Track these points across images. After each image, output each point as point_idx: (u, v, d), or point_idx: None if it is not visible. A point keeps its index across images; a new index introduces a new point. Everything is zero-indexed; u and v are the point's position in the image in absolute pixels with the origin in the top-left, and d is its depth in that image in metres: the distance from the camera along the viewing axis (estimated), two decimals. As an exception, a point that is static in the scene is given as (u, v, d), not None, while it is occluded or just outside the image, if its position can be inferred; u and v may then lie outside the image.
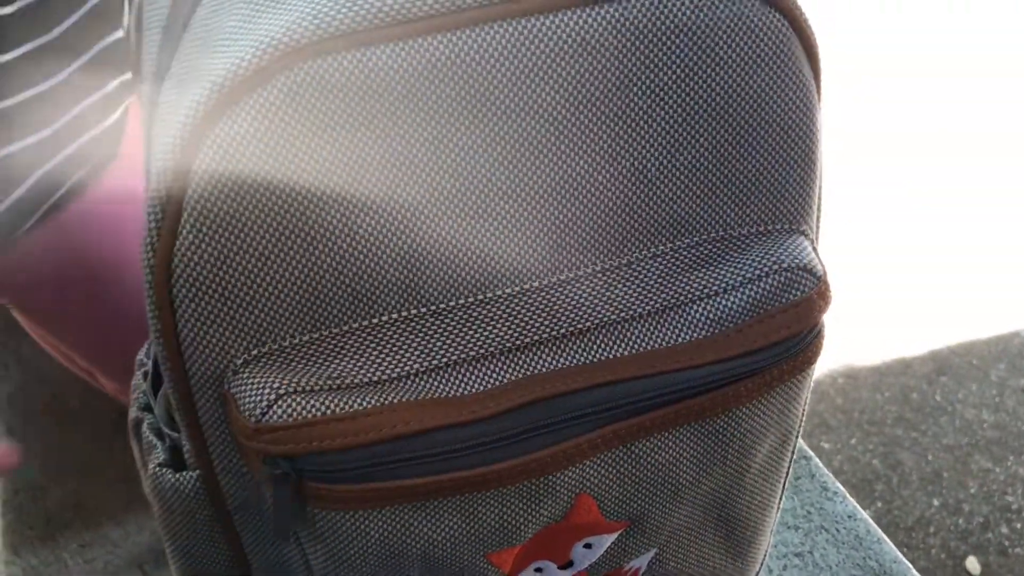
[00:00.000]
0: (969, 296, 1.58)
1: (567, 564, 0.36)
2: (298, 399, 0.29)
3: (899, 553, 0.58)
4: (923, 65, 2.20)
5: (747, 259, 0.33)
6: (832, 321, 1.55)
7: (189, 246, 0.27)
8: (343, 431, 0.29)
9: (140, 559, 0.61)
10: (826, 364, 1.47)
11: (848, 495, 0.61)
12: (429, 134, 0.28)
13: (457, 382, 0.30)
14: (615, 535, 0.36)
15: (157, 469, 0.34)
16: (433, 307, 0.30)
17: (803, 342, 0.34)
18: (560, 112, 0.29)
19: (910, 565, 0.57)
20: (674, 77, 0.30)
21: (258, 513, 0.34)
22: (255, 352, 0.29)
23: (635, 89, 0.29)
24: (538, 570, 0.36)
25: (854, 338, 1.48)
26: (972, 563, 1.18)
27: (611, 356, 0.32)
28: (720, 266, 0.33)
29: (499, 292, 0.31)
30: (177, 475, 0.34)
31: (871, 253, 1.66)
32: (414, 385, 0.30)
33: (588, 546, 0.36)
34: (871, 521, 0.60)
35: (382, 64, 0.27)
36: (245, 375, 0.29)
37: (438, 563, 0.34)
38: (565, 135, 0.29)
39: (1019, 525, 1.22)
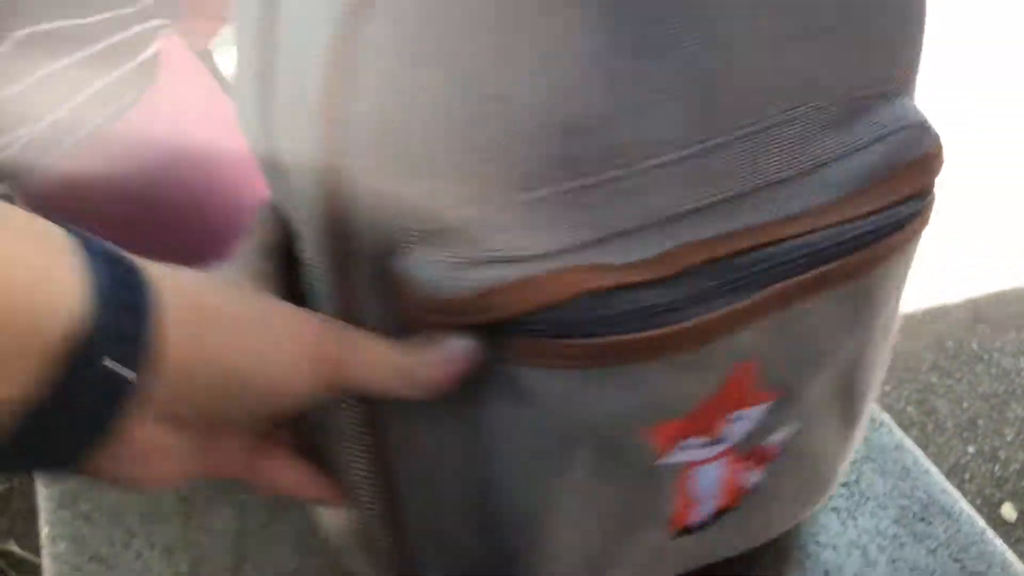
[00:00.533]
0: (1009, 244, 1.55)
1: (716, 440, 0.36)
2: (473, 270, 0.29)
3: (947, 483, 0.57)
4: None
5: (874, 119, 0.35)
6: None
7: (361, 89, 0.27)
8: (526, 296, 0.29)
9: (178, 483, 0.61)
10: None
11: (895, 426, 0.60)
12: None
13: (625, 251, 0.31)
14: (765, 407, 0.36)
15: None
16: (591, 179, 0.30)
17: (924, 201, 0.36)
18: None
19: (959, 495, 0.56)
20: None
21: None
22: (425, 230, 0.29)
23: None
24: (686, 448, 0.36)
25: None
26: (1008, 509, 1.17)
27: (761, 221, 0.33)
28: (850, 127, 0.35)
29: (653, 162, 0.31)
30: None
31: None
32: (585, 255, 0.30)
33: (739, 419, 0.36)
34: (919, 451, 0.59)
35: None
36: (418, 252, 0.29)
37: (603, 443, 0.34)
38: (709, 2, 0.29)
39: (1056, 473, 1.21)
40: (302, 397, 0.30)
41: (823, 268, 0.34)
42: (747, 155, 0.32)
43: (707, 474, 0.38)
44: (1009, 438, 1.27)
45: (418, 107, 0.27)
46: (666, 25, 0.29)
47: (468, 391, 0.31)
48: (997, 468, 1.22)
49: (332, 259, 0.31)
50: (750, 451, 0.38)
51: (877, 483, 0.58)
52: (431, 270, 0.29)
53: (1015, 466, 1.23)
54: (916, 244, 0.37)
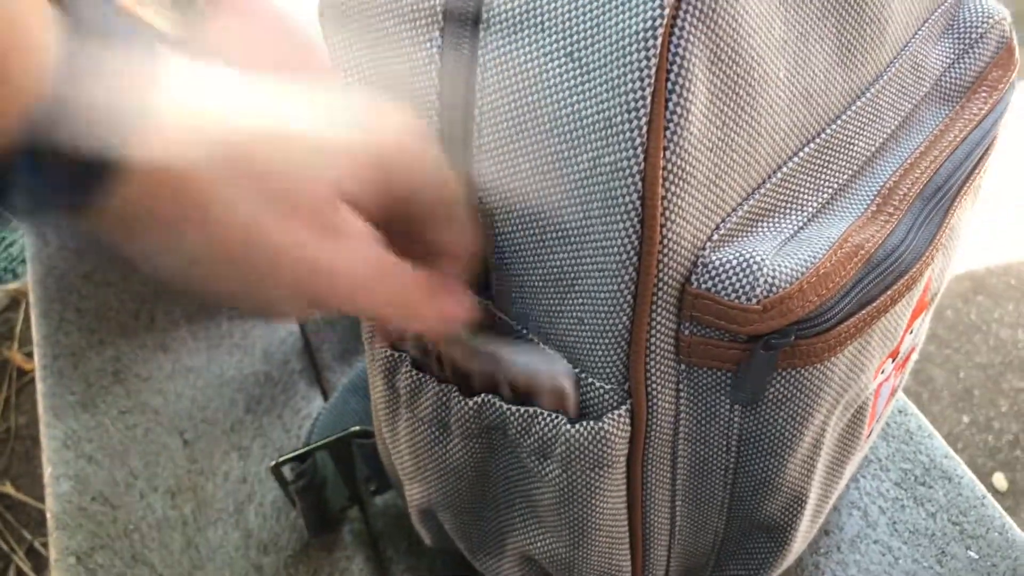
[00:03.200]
0: (1008, 216, 1.55)
1: (896, 356, 0.39)
2: (776, 263, 0.29)
3: (950, 449, 0.57)
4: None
5: (965, 21, 0.38)
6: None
7: (674, 133, 0.26)
8: (826, 283, 0.29)
9: (180, 427, 0.61)
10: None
11: (900, 391, 0.60)
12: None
13: (853, 206, 0.32)
14: (924, 314, 0.39)
15: (566, 426, 0.32)
16: (816, 141, 0.31)
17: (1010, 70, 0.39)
18: None
19: (960, 461, 0.57)
20: None
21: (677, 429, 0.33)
22: (715, 237, 0.29)
23: None
24: (884, 371, 0.38)
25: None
26: (999, 479, 1.18)
27: (920, 143, 0.35)
28: (951, 34, 0.38)
29: (855, 107, 0.33)
30: (585, 424, 0.32)
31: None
32: (826, 218, 0.31)
33: (911, 332, 0.39)
34: (922, 416, 0.59)
35: None
36: (716, 260, 0.28)
37: (850, 400, 0.35)
38: None
39: (1048, 444, 1.22)
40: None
41: (974, 173, 0.36)
42: (900, 85, 0.35)
43: (885, 389, 0.40)
44: (1004, 409, 1.28)
45: (716, 124, 0.28)
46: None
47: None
48: (991, 438, 1.23)
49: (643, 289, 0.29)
50: (905, 358, 0.40)
51: (880, 446, 0.58)
52: (743, 275, 0.28)
53: (1008, 437, 1.23)
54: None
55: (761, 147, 0.29)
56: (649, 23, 0.24)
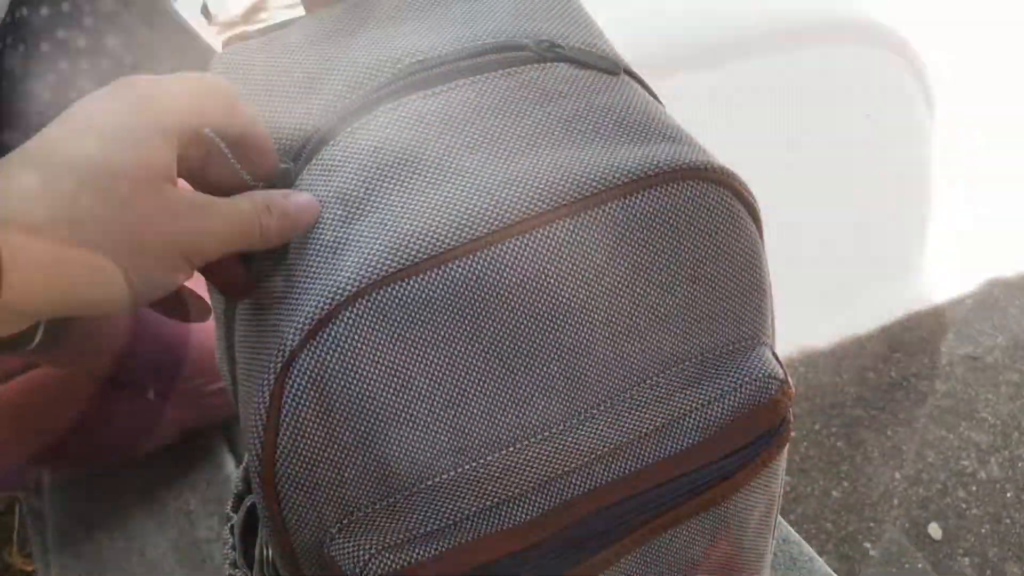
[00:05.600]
0: (912, 273, 1.68)
1: None
2: (387, 555, 0.37)
3: (829, 570, 0.67)
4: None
5: (723, 375, 0.42)
6: (786, 306, 1.64)
7: (286, 452, 0.36)
8: (429, 574, 0.37)
9: None
10: (786, 352, 1.56)
11: (782, 521, 0.71)
12: (463, 331, 0.36)
13: (513, 514, 0.39)
14: None
15: None
16: (480, 461, 0.38)
17: (777, 432, 0.44)
18: (572, 291, 0.37)
19: (838, 577, 0.66)
20: (651, 251, 0.39)
21: None
22: (344, 521, 0.37)
23: (621, 266, 0.38)
24: None
25: (810, 325, 1.58)
26: (934, 528, 1.28)
27: (628, 471, 0.41)
28: (703, 383, 0.42)
29: (531, 440, 0.39)
30: None
31: (814, 230, 1.76)
32: (475, 525, 0.38)
33: None
34: (804, 543, 0.69)
35: (421, 289, 0.35)
36: (340, 541, 0.37)
37: None
38: (578, 308, 0.38)
39: (974, 488, 1.32)
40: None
41: (686, 504, 0.41)
42: (612, 421, 0.40)
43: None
44: (931, 459, 1.38)
45: (332, 453, 0.37)
46: (527, 345, 0.37)
47: None
48: (921, 490, 1.33)
49: (282, 551, 0.40)
50: None
51: (769, 576, 0.68)
52: (350, 557, 0.37)
53: (937, 486, 1.34)
54: (782, 457, 0.45)
55: (396, 466, 0.37)
56: (272, 368, 0.35)
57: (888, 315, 1.60)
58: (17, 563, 1.38)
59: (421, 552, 0.38)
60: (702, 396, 0.42)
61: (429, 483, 0.38)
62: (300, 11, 0.53)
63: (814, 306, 1.60)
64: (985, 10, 2.24)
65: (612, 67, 0.44)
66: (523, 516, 0.39)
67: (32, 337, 0.69)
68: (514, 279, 0.36)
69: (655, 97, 0.46)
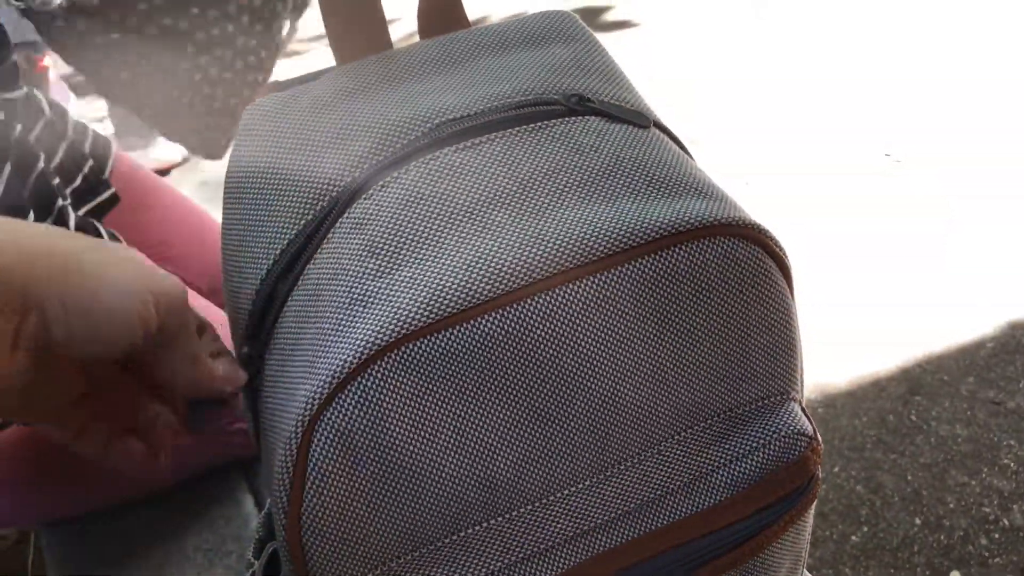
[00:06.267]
0: (934, 314, 1.67)
1: None
2: None
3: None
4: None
5: (751, 431, 0.42)
6: (805, 345, 1.63)
7: (312, 506, 0.36)
8: None
9: None
10: (804, 391, 1.55)
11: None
12: (491, 387, 0.36)
13: (540, 568, 0.39)
14: None
15: None
16: (508, 515, 0.38)
17: (806, 489, 0.43)
18: (601, 348, 0.37)
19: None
20: (680, 308, 0.39)
21: None
22: (370, 575, 0.37)
23: (650, 322, 0.38)
24: None
25: (829, 365, 1.57)
26: (955, 577, 1.26)
27: (655, 527, 0.40)
28: (731, 439, 0.42)
29: (559, 494, 0.39)
30: None
31: (838, 273, 1.75)
32: (513, 571, 0.38)
33: None
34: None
35: (452, 345, 0.35)
36: None
37: None
38: (606, 365, 0.38)
39: (997, 535, 1.30)
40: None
41: (712, 563, 0.41)
42: (640, 476, 0.40)
43: None
44: (952, 505, 1.37)
45: (359, 508, 0.37)
46: (553, 401, 0.37)
47: None
48: (943, 536, 1.32)
49: None
50: None
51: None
52: None
53: (959, 533, 1.32)
54: (807, 517, 0.44)
55: (423, 519, 0.37)
56: (300, 421, 0.35)
57: (908, 357, 1.59)
58: (31, 593, 1.38)
59: None
60: (730, 452, 0.42)
61: (456, 537, 0.38)
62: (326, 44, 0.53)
63: (833, 345, 1.59)
64: None
65: (642, 120, 0.44)
66: (550, 572, 0.39)
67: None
68: (543, 335, 0.36)
69: (685, 150, 0.46)
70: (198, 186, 1.96)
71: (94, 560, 0.82)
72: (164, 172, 1.94)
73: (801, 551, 0.47)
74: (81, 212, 0.75)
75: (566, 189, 0.39)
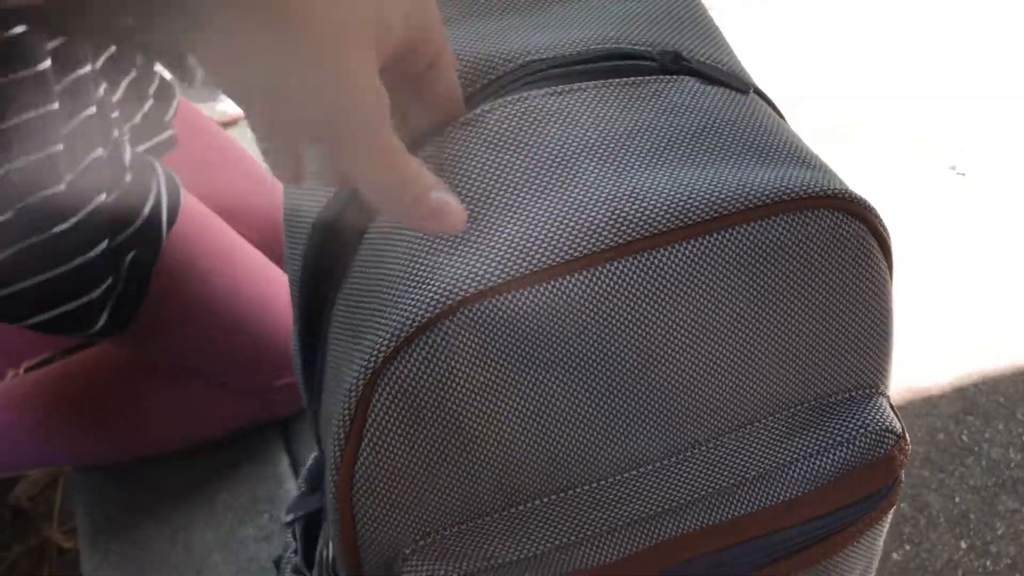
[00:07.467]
0: (994, 332, 1.61)
1: None
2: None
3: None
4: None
5: (837, 424, 0.39)
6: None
7: (367, 464, 0.33)
8: None
9: None
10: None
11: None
12: (564, 353, 0.34)
13: (600, 552, 0.36)
14: None
15: None
16: (570, 491, 0.36)
17: (889, 491, 0.40)
18: (688, 320, 0.35)
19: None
20: (777, 283, 0.36)
21: None
22: (420, 543, 0.35)
23: (744, 297, 0.36)
24: None
25: (881, 379, 1.52)
26: (1000, 605, 1.21)
27: (725, 518, 0.38)
28: (814, 430, 0.39)
29: (625, 475, 0.36)
30: None
31: (896, 285, 1.70)
32: (560, 559, 0.36)
33: None
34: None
35: (529, 305, 0.33)
36: (414, 563, 0.35)
37: None
38: (692, 339, 0.35)
39: (1046, 566, 1.25)
40: None
41: (783, 562, 0.38)
42: (714, 463, 0.37)
43: None
44: (1000, 532, 1.32)
45: (415, 470, 0.34)
46: (629, 374, 0.35)
47: None
48: (989, 563, 1.27)
49: (349, 568, 0.37)
50: None
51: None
52: None
53: (1006, 560, 1.28)
54: (885, 522, 0.41)
55: (481, 488, 0.35)
56: (361, 373, 0.33)
57: (964, 375, 1.54)
58: (56, 539, 1.38)
59: None
60: (812, 445, 0.39)
61: (511, 511, 0.36)
62: None
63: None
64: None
65: (741, 84, 0.41)
66: (611, 555, 0.37)
67: (96, 321, 0.68)
68: (628, 302, 0.34)
69: (783, 119, 0.43)
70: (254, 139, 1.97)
71: (123, 509, 0.80)
72: (228, 125, 1.94)
73: (871, 562, 0.44)
74: (140, 150, 0.74)
75: (660, 148, 0.36)
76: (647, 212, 0.33)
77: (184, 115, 0.86)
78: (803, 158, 0.38)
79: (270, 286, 0.76)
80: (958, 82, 2.33)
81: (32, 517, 1.36)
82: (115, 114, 0.67)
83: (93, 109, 0.63)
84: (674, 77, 0.40)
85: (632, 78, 0.39)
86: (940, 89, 2.32)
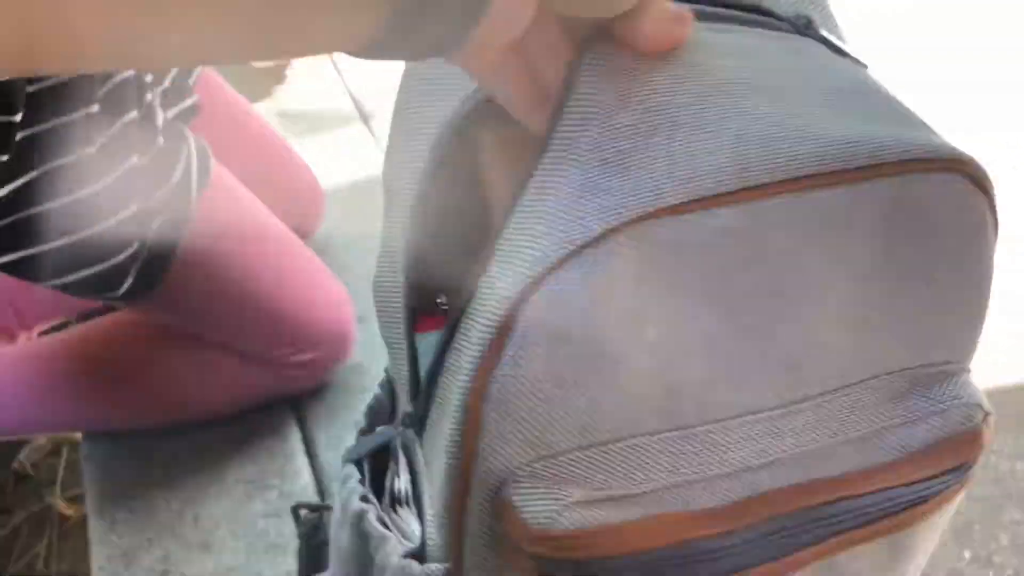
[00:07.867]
0: (1003, 347, 1.60)
1: None
2: (579, 511, 0.34)
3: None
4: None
5: (933, 393, 0.40)
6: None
7: (506, 374, 0.33)
8: (621, 539, 0.34)
9: None
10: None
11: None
12: (711, 287, 0.34)
13: (705, 496, 0.36)
14: None
15: (403, 560, 0.38)
16: (686, 430, 0.35)
17: (971, 467, 0.41)
18: (830, 265, 0.35)
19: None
20: (907, 242, 0.36)
21: None
22: (537, 465, 0.34)
23: (870, 250, 0.36)
24: None
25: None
26: (1001, 616, 1.21)
27: (825, 476, 0.38)
28: (915, 398, 0.40)
29: (738, 421, 0.36)
30: (425, 566, 0.38)
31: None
32: (670, 497, 0.36)
33: None
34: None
35: (680, 232, 0.32)
36: (527, 486, 0.34)
37: None
38: (828, 287, 0.35)
39: (1049, 579, 1.25)
40: None
41: (872, 526, 0.39)
42: (819, 419, 0.38)
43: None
44: (1004, 542, 1.32)
45: (549, 385, 0.33)
46: (764, 316, 0.35)
47: None
48: (992, 573, 1.27)
49: (456, 482, 0.36)
50: None
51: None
52: (538, 504, 0.34)
53: (1009, 572, 1.27)
54: (955, 502, 0.42)
55: (602, 413, 0.34)
56: (523, 273, 0.32)
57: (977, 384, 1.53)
58: (59, 506, 1.38)
59: (616, 515, 0.35)
60: (910, 412, 0.40)
61: (626, 443, 0.35)
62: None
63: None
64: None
65: (859, 61, 0.42)
66: (719, 499, 0.37)
67: (121, 284, 0.67)
68: (776, 242, 0.34)
69: None
70: (277, 116, 1.97)
71: (132, 477, 0.80)
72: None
73: (929, 549, 0.44)
74: (168, 115, 0.73)
75: (811, 95, 0.37)
76: (800, 152, 0.33)
77: (206, 88, 0.85)
78: (930, 128, 0.38)
79: (295, 260, 0.76)
80: (958, 82, 2.31)
81: (36, 483, 1.36)
82: (148, 78, 0.66)
83: (131, 72, 0.63)
84: (808, 40, 0.41)
85: (774, 32, 0.40)
86: (940, 89, 2.30)
